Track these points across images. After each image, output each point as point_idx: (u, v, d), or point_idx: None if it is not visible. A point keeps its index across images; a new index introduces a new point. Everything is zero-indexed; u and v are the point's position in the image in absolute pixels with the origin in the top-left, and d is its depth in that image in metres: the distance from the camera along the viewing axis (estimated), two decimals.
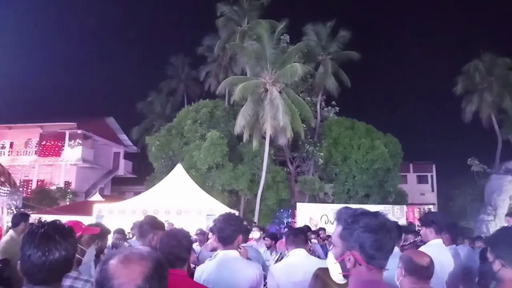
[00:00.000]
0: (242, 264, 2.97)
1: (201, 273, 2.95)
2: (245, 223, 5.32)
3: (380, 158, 23.38)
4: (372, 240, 1.47)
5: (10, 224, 5.55)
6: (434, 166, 35.82)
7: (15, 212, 7.74)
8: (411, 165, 34.46)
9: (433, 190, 35.49)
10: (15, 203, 8.58)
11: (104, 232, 3.73)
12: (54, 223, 1.78)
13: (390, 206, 20.75)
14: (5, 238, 4.86)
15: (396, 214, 19.58)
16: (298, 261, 3.23)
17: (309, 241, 3.88)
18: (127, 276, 1.11)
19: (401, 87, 47.87)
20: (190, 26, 60.80)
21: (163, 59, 48.26)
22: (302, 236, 3.49)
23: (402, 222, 18.28)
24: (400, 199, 24.19)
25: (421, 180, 35.87)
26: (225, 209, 14.94)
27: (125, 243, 5.59)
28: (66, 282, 1.80)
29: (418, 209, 21.24)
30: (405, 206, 21.07)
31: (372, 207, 15.45)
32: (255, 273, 2.95)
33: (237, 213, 13.97)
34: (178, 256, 2.42)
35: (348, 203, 20.96)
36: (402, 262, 2.48)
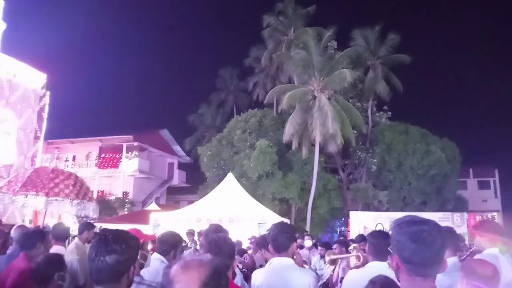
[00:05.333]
0: (295, 272, 2.92)
1: (255, 279, 3.02)
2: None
3: (437, 164, 22.47)
4: (406, 245, 1.51)
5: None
6: (496, 170, 33.90)
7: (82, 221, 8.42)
8: (471, 170, 32.84)
9: (496, 196, 33.51)
10: (95, 215, 9.62)
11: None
12: (114, 229, 1.89)
13: (449, 213, 19.75)
14: (71, 246, 5.22)
15: (456, 221, 18.59)
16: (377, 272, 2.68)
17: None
18: (185, 281, 1.18)
19: (455, 88, 45.74)
20: (238, 39, 62.14)
21: (212, 72, 49.52)
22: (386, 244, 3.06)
23: (463, 230, 17.32)
24: (460, 206, 23.06)
25: (483, 185, 34.05)
26: (277, 218, 14.97)
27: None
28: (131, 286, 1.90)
29: (480, 217, 20.08)
30: (465, 214, 19.99)
31: (429, 215, 14.69)
32: (308, 281, 2.86)
33: (288, 222, 13.95)
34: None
35: (404, 211, 20.26)
36: (463, 273, 2.40)
